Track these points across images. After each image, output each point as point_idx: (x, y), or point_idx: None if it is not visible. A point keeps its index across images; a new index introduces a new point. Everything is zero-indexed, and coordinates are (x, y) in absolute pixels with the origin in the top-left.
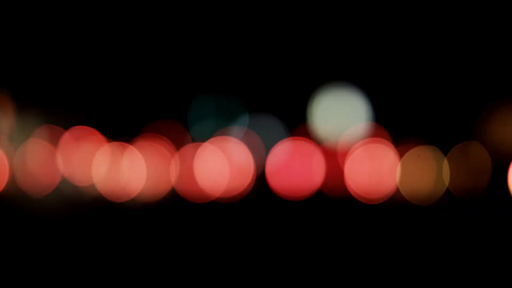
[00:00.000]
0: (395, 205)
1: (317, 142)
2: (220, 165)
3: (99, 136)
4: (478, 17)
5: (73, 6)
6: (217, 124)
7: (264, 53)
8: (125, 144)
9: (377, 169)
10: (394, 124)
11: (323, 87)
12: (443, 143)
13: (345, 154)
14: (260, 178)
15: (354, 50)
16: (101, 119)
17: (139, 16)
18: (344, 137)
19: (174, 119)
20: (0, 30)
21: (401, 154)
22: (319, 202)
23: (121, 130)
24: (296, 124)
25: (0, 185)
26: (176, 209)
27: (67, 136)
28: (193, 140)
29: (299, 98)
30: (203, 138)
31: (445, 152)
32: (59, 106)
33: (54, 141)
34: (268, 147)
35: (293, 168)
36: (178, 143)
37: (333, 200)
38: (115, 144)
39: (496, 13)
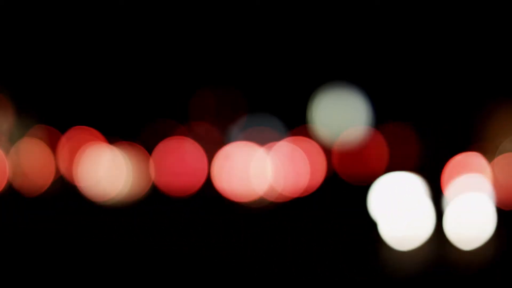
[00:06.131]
0: None
1: (316, 141)
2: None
3: (99, 136)
4: (480, 18)
5: (71, 4)
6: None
7: (263, 52)
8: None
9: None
10: (394, 125)
11: (323, 87)
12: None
13: (343, 154)
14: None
15: (354, 50)
16: (101, 119)
17: (139, 15)
18: (344, 137)
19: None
20: None
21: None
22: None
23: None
24: (296, 124)
25: (0, 185)
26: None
27: (64, 137)
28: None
29: (299, 98)
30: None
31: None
32: (57, 106)
33: (52, 141)
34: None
35: (292, 167)
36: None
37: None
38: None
39: (497, 14)
